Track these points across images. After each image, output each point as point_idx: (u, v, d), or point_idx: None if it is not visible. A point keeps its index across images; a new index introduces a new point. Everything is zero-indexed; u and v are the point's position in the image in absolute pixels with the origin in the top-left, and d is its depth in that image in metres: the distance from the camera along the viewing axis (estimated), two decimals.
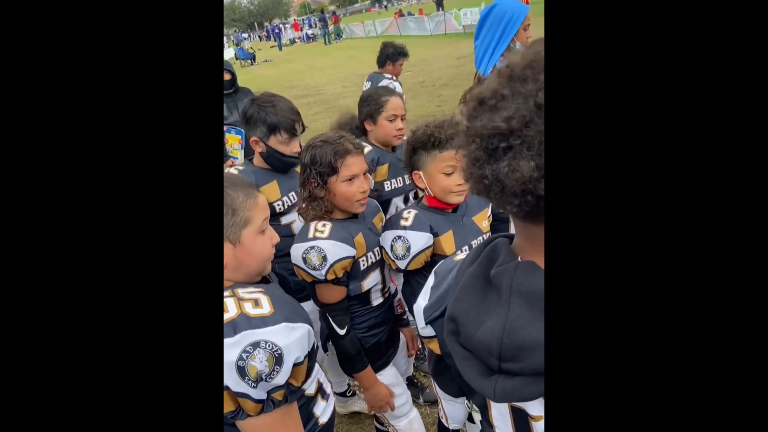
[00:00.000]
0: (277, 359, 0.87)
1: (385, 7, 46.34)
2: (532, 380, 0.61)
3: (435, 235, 1.48)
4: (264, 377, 0.85)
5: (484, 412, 0.78)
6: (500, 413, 0.75)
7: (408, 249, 1.45)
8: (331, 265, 1.38)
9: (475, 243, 1.57)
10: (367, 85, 3.88)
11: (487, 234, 1.61)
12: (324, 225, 1.42)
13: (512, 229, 0.73)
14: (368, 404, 1.57)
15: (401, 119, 1.96)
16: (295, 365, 0.90)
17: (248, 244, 0.99)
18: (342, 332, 1.47)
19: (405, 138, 2.00)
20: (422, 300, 0.80)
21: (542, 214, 0.59)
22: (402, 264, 1.48)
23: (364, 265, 1.50)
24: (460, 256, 0.80)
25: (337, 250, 1.38)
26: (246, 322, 0.87)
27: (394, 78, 3.75)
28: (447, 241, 1.49)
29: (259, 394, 0.87)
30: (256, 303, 0.92)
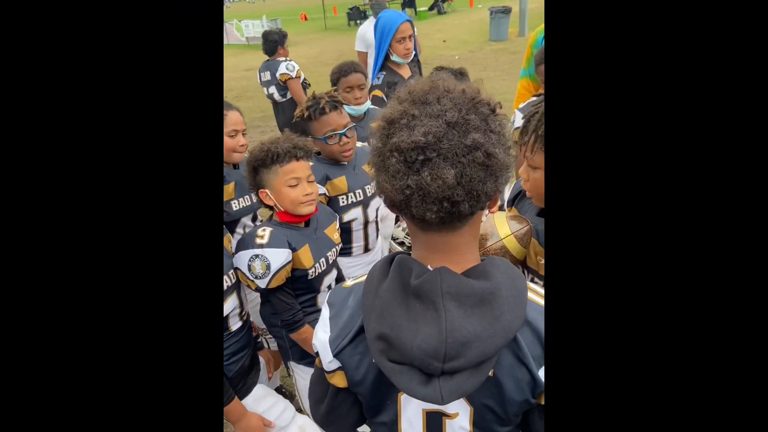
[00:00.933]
0: None
1: None
2: (471, 373, 0.67)
3: (293, 250, 1.48)
4: None
5: (393, 427, 0.81)
6: (410, 423, 0.80)
7: (268, 267, 1.42)
8: None
9: (330, 254, 1.62)
10: (267, 75, 3.73)
11: (339, 245, 1.68)
12: None
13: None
14: None
15: (242, 134, 1.88)
16: None
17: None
18: None
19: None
20: (323, 333, 0.80)
21: (453, 220, 0.68)
22: (262, 283, 1.43)
23: None
24: (350, 281, 0.83)
25: None
26: None
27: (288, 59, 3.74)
28: (305, 255, 1.51)
29: None
30: None
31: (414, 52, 2.93)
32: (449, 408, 0.76)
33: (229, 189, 1.86)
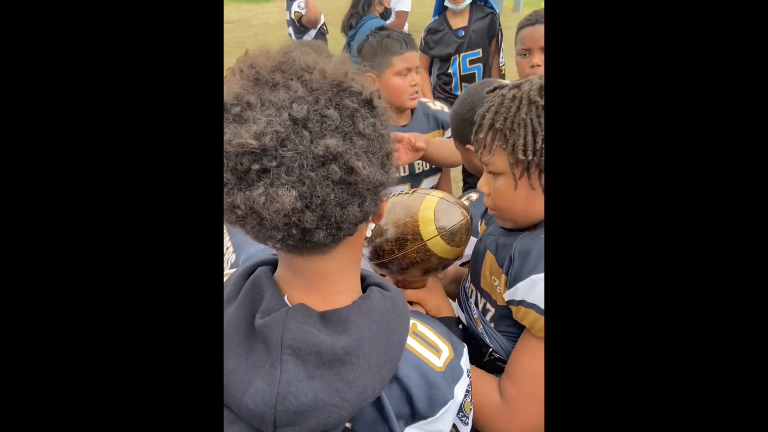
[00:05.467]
0: None
1: None
2: None
3: None
4: None
5: None
6: None
7: None
8: None
9: None
10: (287, 15, 3.84)
11: None
12: None
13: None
14: None
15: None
16: None
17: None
18: None
19: None
20: None
21: (312, 247, 0.54)
22: None
23: None
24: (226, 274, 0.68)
25: None
26: None
27: None
28: None
29: None
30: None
31: (472, 3, 2.73)
32: None
33: None
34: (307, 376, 0.52)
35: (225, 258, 1.01)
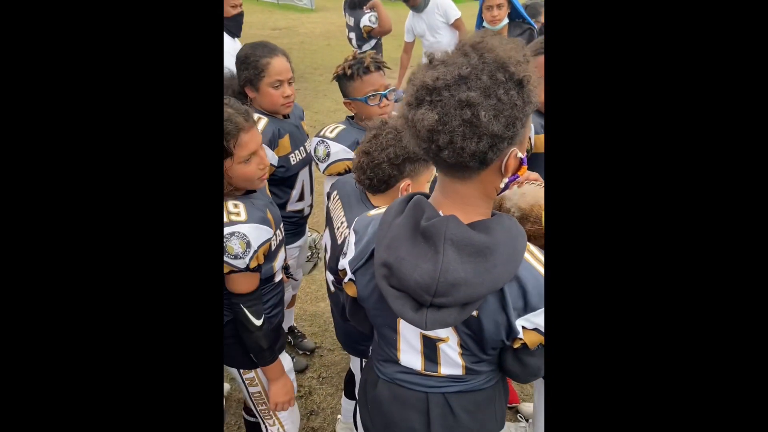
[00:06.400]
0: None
1: None
2: (456, 310, 0.77)
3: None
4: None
5: (393, 341, 0.94)
6: (409, 344, 0.92)
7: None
8: (255, 252, 1.25)
9: None
10: (351, 21, 4.06)
11: None
12: (236, 206, 1.27)
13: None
14: (273, 399, 1.44)
15: (288, 84, 1.73)
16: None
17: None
18: (258, 323, 1.35)
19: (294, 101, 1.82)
20: (349, 255, 0.93)
21: (454, 171, 0.76)
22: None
23: (274, 244, 1.39)
24: (373, 211, 0.95)
25: (259, 234, 1.26)
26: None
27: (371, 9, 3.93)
28: None
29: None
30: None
31: (509, 21, 2.99)
32: (441, 333, 0.87)
33: (285, 143, 1.77)
34: (460, 261, 0.74)
35: (339, 232, 1.31)
